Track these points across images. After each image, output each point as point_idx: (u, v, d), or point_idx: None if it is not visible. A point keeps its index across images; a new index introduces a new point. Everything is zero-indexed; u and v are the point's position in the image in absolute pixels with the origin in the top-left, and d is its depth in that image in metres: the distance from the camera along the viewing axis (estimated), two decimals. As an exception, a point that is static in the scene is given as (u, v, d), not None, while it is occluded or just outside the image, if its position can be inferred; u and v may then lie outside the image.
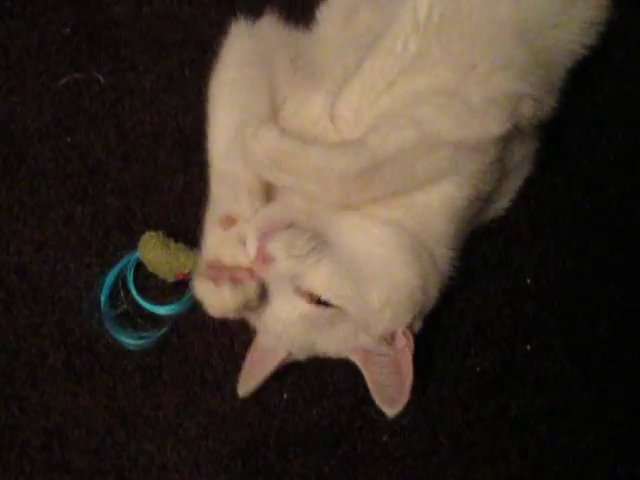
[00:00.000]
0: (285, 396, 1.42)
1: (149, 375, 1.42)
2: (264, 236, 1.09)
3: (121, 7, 1.57)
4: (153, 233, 1.35)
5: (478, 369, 1.46)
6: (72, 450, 1.40)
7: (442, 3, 1.13)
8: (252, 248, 1.12)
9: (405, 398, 1.09)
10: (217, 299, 1.09)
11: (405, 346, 1.12)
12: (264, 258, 1.09)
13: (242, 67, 1.27)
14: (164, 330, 1.40)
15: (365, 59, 1.16)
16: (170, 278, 1.34)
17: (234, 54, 1.29)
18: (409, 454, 1.43)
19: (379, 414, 1.38)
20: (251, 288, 1.09)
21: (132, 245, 1.41)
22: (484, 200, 1.23)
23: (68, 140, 1.50)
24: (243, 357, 1.38)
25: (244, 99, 1.24)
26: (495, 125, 1.11)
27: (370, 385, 1.12)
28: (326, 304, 1.10)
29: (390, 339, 1.13)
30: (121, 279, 1.40)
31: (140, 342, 1.38)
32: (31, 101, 1.52)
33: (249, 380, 1.23)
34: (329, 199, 1.11)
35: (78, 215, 1.47)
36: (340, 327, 1.14)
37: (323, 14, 1.33)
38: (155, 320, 1.40)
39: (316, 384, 1.43)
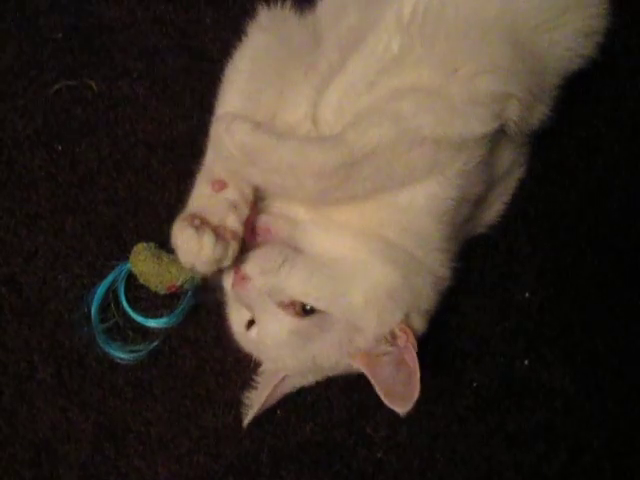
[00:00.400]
0: (278, 412, 1.38)
1: (140, 389, 1.38)
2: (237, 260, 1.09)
3: (115, 12, 1.53)
4: (145, 244, 1.31)
5: (475, 384, 1.42)
6: (61, 465, 1.36)
7: (427, 2, 1.10)
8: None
9: (415, 394, 1.04)
10: (196, 246, 1.06)
11: (407, 342, 1.08)
12: (241, 278, 1.09)
13: (256, 59, 1.22)
14: (155, 343, 1.36)
15: (348, 60, 1.12)
16: (161, 291, 1.30)
17: (253, 43, 1.24)
18: (404, 471, 1.40)
19: (374, 430, 1.37)
20: (232, 248, 1.07)
21: (123, 256, 1.36)
22: (473, 202, 1.18)
23: (59, 148, 1.46)
24: (235, 372, 1.38)
25: (253, 89, 1.20)
26: (478, 124, 1.07)
27: (377, 387, 1.07)
28: (312, 311, 1.08)
29: (391, 338, 1.09)
30: (112, 291, 1.36)
31: (130, 356, 1.34)
32: (22, 108, 1.48)
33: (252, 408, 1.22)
34: (303, 195, 1.07)
35: (69, 225, 1.43)
36: (332, 333, 1.10)
37: (318, 14, 1.28)
38: (146, 333, 1.36)
39: (310, 399, 1.39)
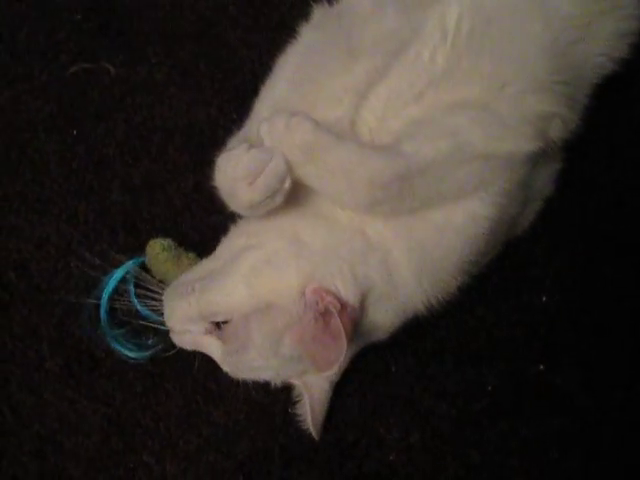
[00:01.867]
0: (290, 410, 1.28)
1: (150, 383, 1.29)
2: None
3: (135, -5, 1.40)
4: (162, 242, 1.21)
5: (490, 388, 1.33)
6: (67, 458, 1.26)
7: (472, 16, 1.04)
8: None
9: (337, 359, 0.98)
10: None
11: (326, 303, 0.99)
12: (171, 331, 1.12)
13: (305, 54, 1.17)
14: (162, 346, 1.25)
15: (391, 66, 1.06)
16: None
17: (303, 40, 1.19)
18: (416, 474, 1.30)
19: (387, 431, 1.28)
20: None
21: (137, 246, 1.28)
22: (506, 226, 1.13)
23: (74, 132, 1.37)
24: None
25: (298, 80, 1.14)
26: (526, 142, 1.04)
27: (306, 354, 1.02)
28: (223, 323, 1.06)
29: (317, 308, 1.00)
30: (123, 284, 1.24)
31: (140, 355, 1.25)
32: (37, 90, 1.38)
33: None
34: (353, 202, 1.00)
35: (82, 212, 1.34)
36: (251, 330, 1.04)
37: (353, 10, 1.19)
38: (157, 330, 1.24)
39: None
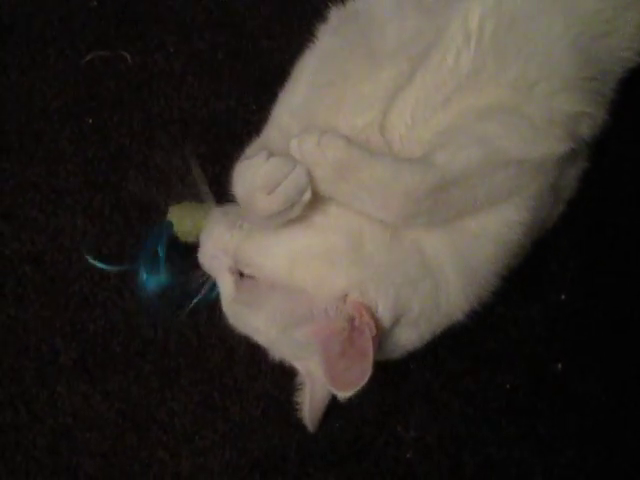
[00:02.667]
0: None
1: (166, 378, 1.24)
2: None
3: (152, -19, 1.36)
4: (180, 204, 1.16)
5: (508, 386, 1.29)
6: (81, 454, 1.22)
7: (495, 16, 0.99)
8: None
9: (358, 382, 0.90)
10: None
11: (362, 322, 0.92)
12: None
13: (324, 59, 1.12)
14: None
15: (416, 71, 1.01)
16: None
17: (321, 44, 1.13)
18: (433, 472, 1.26)
19: (405, 429, 1.26)
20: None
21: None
22: (537, 229, 1.10)
23: (90, 122, 1.32)
24: (265, 363, 1.23)
25: (317, 85, 1.10)
26: (557, 144, 1.00)
27: (324, 363, 0.93)
28: (250, 277, 1.00)
29: (346, 315, 0.95)
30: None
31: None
32: (52, 78, 1.33)
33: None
34: (388, 216, 0.95)
35: (97, 203, 1.28)
36: (268, 299, 0.99)
37: (376, 16, 1.14)
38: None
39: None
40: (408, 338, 1.03)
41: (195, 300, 1.15)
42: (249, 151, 1.10)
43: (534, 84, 0.99)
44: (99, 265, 1.22)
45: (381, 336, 0.97)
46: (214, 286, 1.11)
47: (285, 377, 1.24)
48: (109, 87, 1.33)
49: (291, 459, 1.24)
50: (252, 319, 1.02)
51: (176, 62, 1.35)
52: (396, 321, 0.99)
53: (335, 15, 1.14)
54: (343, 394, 0.95)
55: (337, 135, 0.91)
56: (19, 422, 1.22)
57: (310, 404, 1.08)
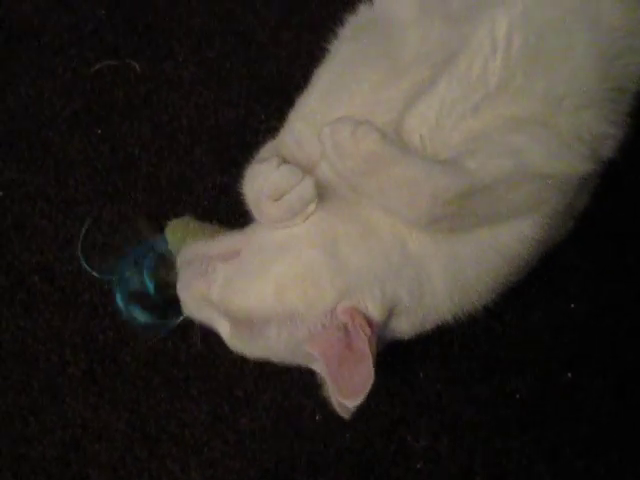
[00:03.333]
0: (317, 417, 1.22)
1: (175, 389, 1.22)
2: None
3: (161, -10, 1.34)
4: (180, 220, 1.16)
5: (518, 396, 1.26)
6: (90, 465, 1.19)
7: (522, 28, 0.97)
8: None
9: (365, 385, 0.88)
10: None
11: (355, 327, 0.91)
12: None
13: (339, 67, 1.11)
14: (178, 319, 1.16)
15: (440, 76, 0.99)
16: None
17: (337, 52, 1.12)
18: (443, 482, 1.21)
19: (415, 439, 1.24)
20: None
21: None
22: (545, 246, 1.07)
23: (99, 131, 1.30)
24: (275, 374, 1.23)
25: (333, 93, 1.09)
26: (583, 163, 0.98)
27: (327, 375, 0.91)
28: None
29: (339, 322, 0.93)
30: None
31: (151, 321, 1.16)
32: (61, 87, 1.32)
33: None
34: (412, 216, 0.93)
35: (106, 213, 1.27)
36: (266, 329, 0.96)
37: (395, 15, 1.13)
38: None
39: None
40: (401, 326, 1.01)
41: (180, 319, 1.15)
42: (263, 152, 1.09)
43: (562, 98, 0.97)
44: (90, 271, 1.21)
45: (378, 332, 0.95)
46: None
47: (294, 388, 1.23)
48: (118, 96, 1.31)
49: (301, 470, 1.22)
50: (256, 351, 1.01)
51: (185, 71, 1.33)
52: (390, 313, 0.96)
53: (351, 22, 1.13)
54: (352, 402, 0.91)
55: (373, 127, 0.89)
56: (29, 433, 1.20)
57: (335, 397, 1.03)
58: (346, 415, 1.04)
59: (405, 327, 1.02)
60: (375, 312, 0.95)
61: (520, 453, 1.25)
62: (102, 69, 1.32)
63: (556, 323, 1.29)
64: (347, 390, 0.91)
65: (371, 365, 0.89)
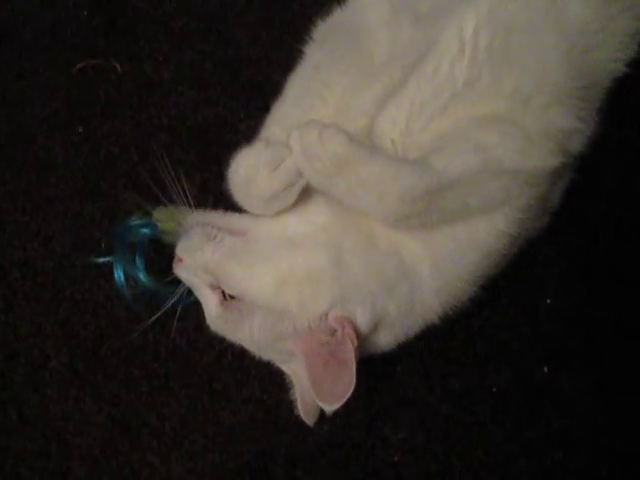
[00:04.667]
0: (296, 411, 1.21)
1: (156, 383, 1.25)
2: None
3: (142, -9, 1.36)
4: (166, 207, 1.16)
5: (494, 389, 1.29)
6: (71, 458, 1.23)
7: (489, 28, 1.00)
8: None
9: (345, 392, 0.92)
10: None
11: (343, 334, 0.95)
12: (178, 259, 1.04)
13: (310, 73, 1.14)
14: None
15: (409, 77, 1.01)
16: None
17: (308, 58, 1.16)
18: (420, 475, 1.27)
19: (393, 432, 1.26)
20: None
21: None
22: (521, 240, 1.10)
23: (80, 130, 1.33)
24: (254, 368, 1.26)
25: (304, 100, 1.12)
26: (551, 158, 1.01)
27: (309, 377, 0.96)
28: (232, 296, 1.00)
29: (329, 329, 0.97)
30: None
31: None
32: (43, 86, 1.34)
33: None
34: (381, 215, 0.96)
35: (87, 210, 1.29)
36: (253, 317, 1.00)
37: (365, 19, 1.15)
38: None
39: None
40: (384, 340, 1.05)
41: (170, 302, 1.16)
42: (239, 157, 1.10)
43: (530, 96, 1.00)
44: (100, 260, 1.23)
45: (360, 342, 0.98)
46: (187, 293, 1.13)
47: (273, 382, 1.26)
48: (99, 96, 1.34)
49: (280, 462, 1.25)
50: (237, 334, 1.04)
51: (165, 71, 1.36)
52: (374, 326, 1.00)
53: (320, 28, 1.16)
54: (330, 407, 0.96)
55: (339, 130, 0.92)
56: (10, 426, 1.23)
57: (302, 401, 1.08)
58: (310, 421, 1.09)
59: (384, 341, 1.06)
60: (362, 324, 0.99)
61: (497, 445, 1.28)
62: (83, 69, 1.34)
63: (532, 318, 1.32)
64: (327, 394, 0.95)
65: (354, 373, 0.93)
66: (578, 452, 1.28)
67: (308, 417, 1.08)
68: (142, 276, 1.16)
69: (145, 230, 1.15)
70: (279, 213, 1.01)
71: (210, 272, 1.01)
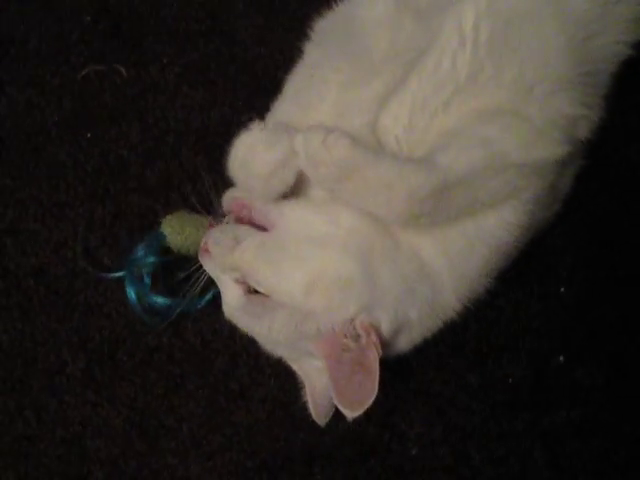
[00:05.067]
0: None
1: (172, 385, 1.26)
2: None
3: (144, -6, 1.37)
4: (174, 215, 1.20)
5: (510, 381, 1.29)
6: (91, 462, 1.24)
7: (489, 19, 0.99)
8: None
9: (368, 399, 0.93)
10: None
11: (368, 341, 0.96)
12: (204, 250, 1.04)
13: (309, 71, 1.14)
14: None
15: (410, 74, 1.01)
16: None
17: (306, 57, 1.16)
18: (438, 467, 1.27)
19: (409, 426, 1.27)
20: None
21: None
22: (533, 230, 1.11)
23: (88, 135, 1.35)
24: (269, 367, 1.27)
25: (303, 100, 1.12)
26: (557, 147, 1.01)
27: (331, 382, 0.96)
28: (257, 291, 1.00)
29: (354, 335, 0.97)
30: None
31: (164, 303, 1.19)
32: (49, 93, 1.36)
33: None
34: (391, 216, 0.96)
35: (98, 215, 1.31)
36: (278, 314, 1.00)
37: (364, 16, 1.14)
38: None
39: None
40: (402, 343, 1.06)
41: (178, 310, 1.19)
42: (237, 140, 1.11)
43: (533, 86, 1.00)
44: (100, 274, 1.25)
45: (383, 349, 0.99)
46: (198, 297, 1.17)
47: (289, 380, 1.26)
48: (105, 100, 1.35)
49: (297, 460, 1.26)
50: (255, 327, 1.04)
51: (170, 73, 1.37)
52: (395, 332, 1.02)
53: (318, 26, 1.16)
54: (351, 414, 0.96)
55: (343, 134, 0.93)
56: (30, 432, 1.25)
57: (313, 402, 1.09)
58: (322, 422, 1.10)
59: (402, 344, 1.07)
60: (386, 331, 1.00)
61: (514, 437, 1.28)
62: (89, 74, 1.36)
63: (547, 308, 1.32)
64: (349, 401, 0.95)
65: (376, 381, 0.93)
66: (595, 441, 1.28)
67: (319, 418, 1.09)
68: (153, 297, 1.19)
69: (151, 259, 1.18)
70: (303, 210, 1.02)
71: (238, 270, 1.01)
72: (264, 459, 1.26)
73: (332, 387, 0.96)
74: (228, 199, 1.08)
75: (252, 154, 0.99)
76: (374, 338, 0.96)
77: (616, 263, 1.33)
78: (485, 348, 1.31)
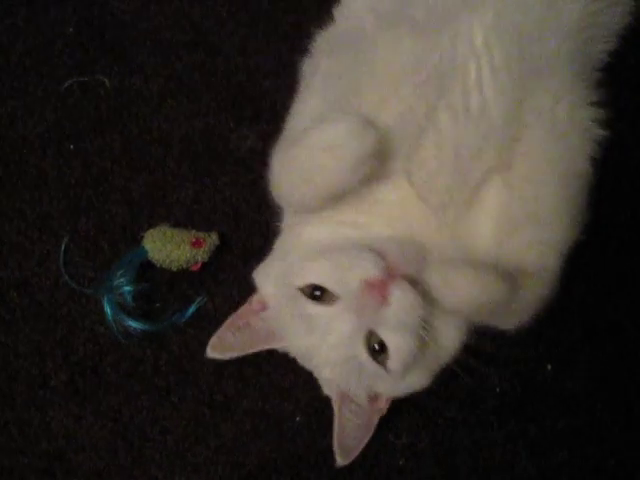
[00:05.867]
0: (298, 419, 1.28)
1: (156, 397, 1.27)
2: (389, 273, 0.93)
3: (128, 5, 1.41)
4: (157, 229, 1.24)
5: (498, 390, 1.30)
6: (75, 475, 1.24)
7: (500, 38, 0.98)
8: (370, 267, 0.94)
9: (356, 452, 1.08)
10: None
11: (383, 409, 1.08)
12: (379, 294, 0.93)
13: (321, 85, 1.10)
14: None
15: (436, 117, 0.96)
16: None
17: (323, 66, 1.10)
18: (426, 478, 1.29)
19: (396, 437, 1.27)
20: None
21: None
22: None
23: (71, 147, 1.35)
24: (254, 379, 1.28)
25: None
26: (592, 151, 1.04)
27: (336, 428, 1.06)
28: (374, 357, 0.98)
29: (373, 398, 1.06)
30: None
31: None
32: (32, 105, 1.36)
33: (228, 344, 1.09)
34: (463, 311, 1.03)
35: (82, 227, 1.32)
36: (365, 375, 1.02)
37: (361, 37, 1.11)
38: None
39: (330, 406, 1.24)
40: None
41: (165, 324, 1.24)
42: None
43: (559, 99, 1.01)
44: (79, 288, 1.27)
45: None
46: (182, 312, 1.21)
47: (274, 392, 1.29)
48: (89, 112, 1.36)
49: (284, 471, 1.27)
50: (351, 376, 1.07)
51: (154, 84, 1.38)
52: None
53: (321, 38, 1.16)
54: (341, 461, 1.07)
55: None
56: (13, 446, 1.25)
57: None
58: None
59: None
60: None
61: (502, 446, 1.30)
62: (72, 86, 1.37)
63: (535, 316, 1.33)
64: (344, 447, 1.07)
65: (369, 437, 1.08)
66: (584, 452, 1.30)
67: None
68: (130, 321, 1.22)
69: (128, 288, 1.21)
70: None
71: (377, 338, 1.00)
72: (250, 471, 1.27)
73: (335, 432, 1.07)
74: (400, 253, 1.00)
75: (321, 159, 0.92)
76: (386, 407, 1.08)
77: (605, 271, 1.34)
78: (472, 357, 1.29)
